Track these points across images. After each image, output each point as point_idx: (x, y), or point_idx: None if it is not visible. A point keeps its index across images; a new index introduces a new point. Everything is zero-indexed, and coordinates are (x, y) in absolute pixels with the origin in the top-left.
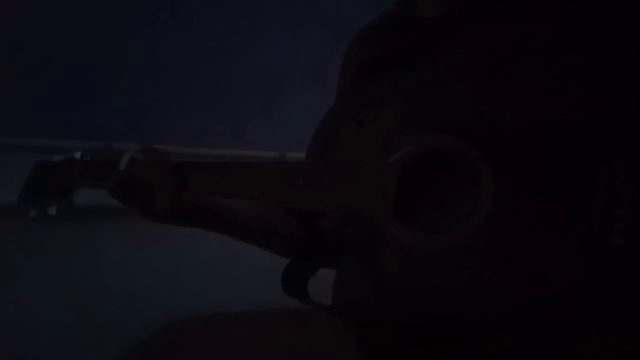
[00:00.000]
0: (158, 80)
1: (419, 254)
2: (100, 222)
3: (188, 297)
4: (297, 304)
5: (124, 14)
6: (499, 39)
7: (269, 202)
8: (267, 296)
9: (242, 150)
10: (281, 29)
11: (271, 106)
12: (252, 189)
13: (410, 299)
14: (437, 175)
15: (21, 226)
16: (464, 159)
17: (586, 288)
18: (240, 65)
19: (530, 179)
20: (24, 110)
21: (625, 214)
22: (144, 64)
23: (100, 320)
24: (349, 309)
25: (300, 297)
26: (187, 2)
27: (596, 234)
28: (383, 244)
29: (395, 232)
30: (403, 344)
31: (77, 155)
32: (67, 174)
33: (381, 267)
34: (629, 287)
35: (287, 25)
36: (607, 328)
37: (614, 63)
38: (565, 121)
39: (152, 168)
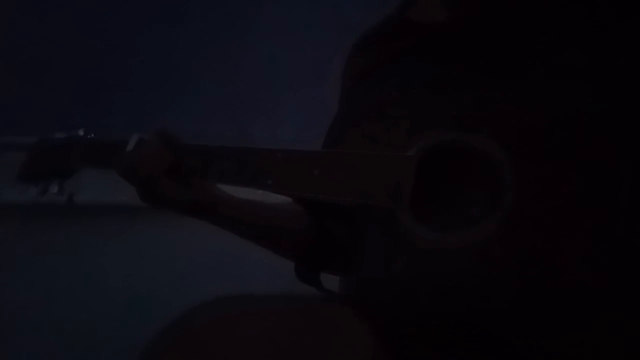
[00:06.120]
0: (159, 80)
1: (431, 250)
2: (102, 220)
3: (192, 294)
4: (305, 292)
5: (126, 14)
6: (505, 42)
7: (282, 191)
8: (272, 292)
9: None
10: (281, 29)
11: (271, 106)
12: (266, 177)
13: (418, 294)
14: (454, 173)
15: (21, 226)
16: (482, 156)
17: (607, 292)
18: (241, 65)
19: (548, 179)
20: (24, 110)
21: None
22: (145, 64)
23: (102, 319)
24: (361, 297)
25: (312, 283)
26: (189, 1)
27: (619, 235)
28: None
29: (410, 227)
30: (416, 340)
31: (81, 132)
32: (69, 152)
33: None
34: None
35: (287, 25)
36: (628, 334)
37: (621, 61)
38: (579, 120)
39: (159, 150)
